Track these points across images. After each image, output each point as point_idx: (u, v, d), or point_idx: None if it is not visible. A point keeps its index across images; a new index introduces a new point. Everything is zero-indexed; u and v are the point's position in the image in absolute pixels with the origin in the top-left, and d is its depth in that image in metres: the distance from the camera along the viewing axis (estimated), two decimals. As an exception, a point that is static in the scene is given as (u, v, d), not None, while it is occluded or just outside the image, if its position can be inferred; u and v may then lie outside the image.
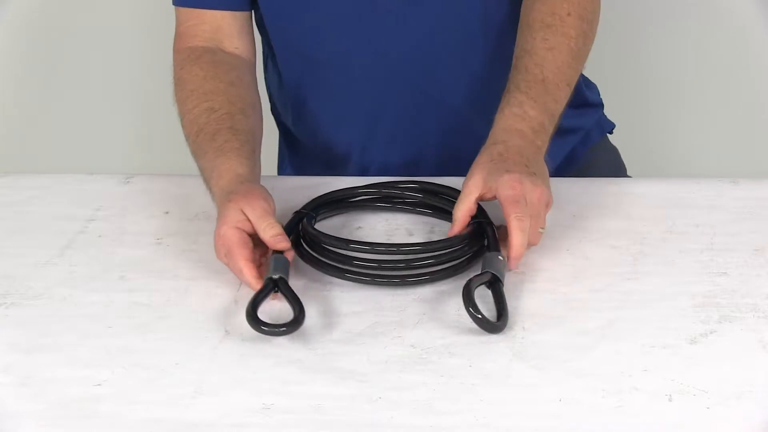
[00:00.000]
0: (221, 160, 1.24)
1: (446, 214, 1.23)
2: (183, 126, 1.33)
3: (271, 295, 1.11)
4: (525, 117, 1.22)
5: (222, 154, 1.24)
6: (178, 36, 1.41)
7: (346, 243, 1.16)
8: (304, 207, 1.24)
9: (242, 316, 1.09)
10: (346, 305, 1.12)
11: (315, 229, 1.19)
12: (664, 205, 1.28)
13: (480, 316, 1.05)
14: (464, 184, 1.18)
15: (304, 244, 1.19)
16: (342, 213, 1.28)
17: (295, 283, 1.13)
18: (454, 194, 1.23)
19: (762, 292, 1.11)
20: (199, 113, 1.31)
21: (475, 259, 1.16)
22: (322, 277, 1.16)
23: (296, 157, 1.53)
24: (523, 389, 0.99)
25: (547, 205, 1.17)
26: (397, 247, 1.17)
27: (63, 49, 2.17)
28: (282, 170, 1.57)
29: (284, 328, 1.06)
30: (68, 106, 2.22)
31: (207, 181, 1.25)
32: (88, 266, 1.20)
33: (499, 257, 1.12)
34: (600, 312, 1.09)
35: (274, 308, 1.10)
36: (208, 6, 1.39)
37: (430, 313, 1.10)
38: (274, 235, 1.15)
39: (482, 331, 1.06)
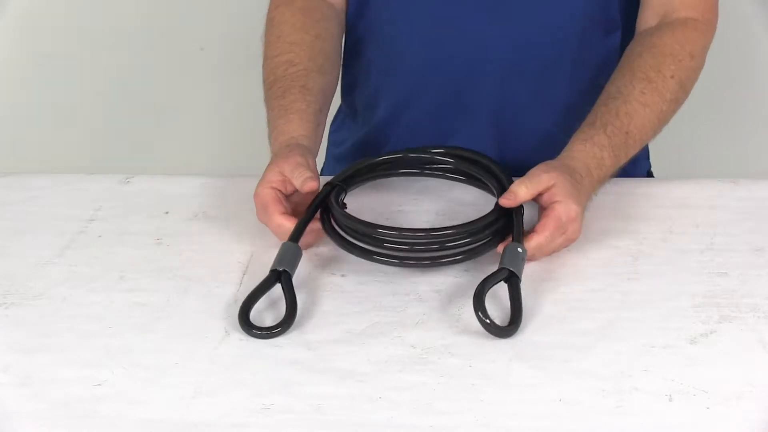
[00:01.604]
0: (282, 121, 1.27)
1: (476, 181, 1.26)
2: (263, 68, 1.37)
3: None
4: (602, 165, 1.23)
5: (285, 115, 1.28)
6: None
7: (374, 228, 1.16)
8: (335, 178, 1.22)
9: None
10: (346, 305, 1.12)
11: (345, 211, 1.18)
12: (664, 205, 1.28)
13: (488, 321, 1.05)
14: (538, 172, 1.18)
15: (333, 222, 1.18)
16: (372, 180, 1.27)
17: (298, 277, 1.14)
18: (484, 161, 1.24)
19: (762, 292, 1.11)
20: (279, 63, 1.34)
21: (499, 239, 1.16)
22: (323, 276, 1.16)
23: (350, 103, 1.53)
24: (523, 389, 0.99)
25: (562, 247, 1.19)
26: (426, 232, 1.16)
27: (63, 48, 2.17)
28: (336, 117, 1.58)
29: (278, 329, 1.06)
30: (68, 106, 2.23)
31: (269, 135, 1.29)
32: (88, 266, 1.20)
33: (519, 249, 1.12)
34: (600, 312, 1.09)
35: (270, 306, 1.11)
36: None
37: (430, 313, 1.10)
38: (303, 179, 1.17)
39: (482, 330, 1.06)
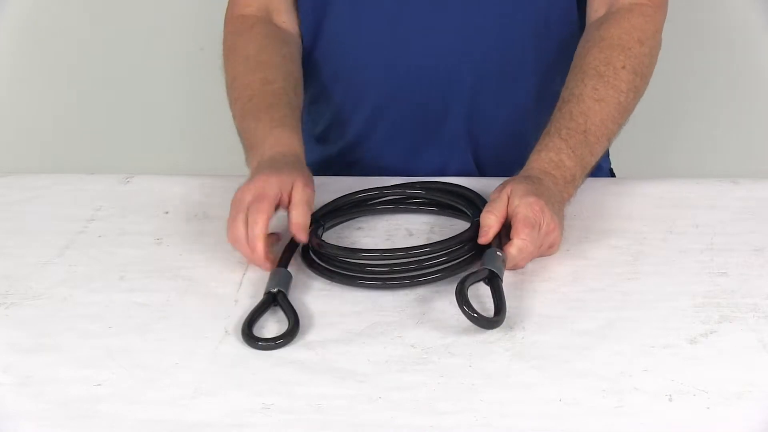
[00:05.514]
0: (281, 131, 1.26)
1: (452, 211, 1.25)
2: (232, 87, 1.35)
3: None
4: (560, 165, 1.22)
5: (282, 126, 1.26)
6: (231, 3, 1.44)
7: (354, 252, 1.16)
8: (313, 214, 1.21)
9: (242, 316, 1.09)
10: (346, 305, 1.12)
11: (323, 241, 1.18)
12: (664, 205, 1.28)
13: (476, 315, 1.05)
14: (494, 193, 1.18)
15: (312, 254, 1.18)
16: (349, 219, 1.27)
17: (296, 281, 1.14)
18: (460, 191, 1.25)
19: (762, 292, 1.11)
20: (254, 80, 1.33)
21: (477, 255, 1.15)
22: (321, 277, 1.16)
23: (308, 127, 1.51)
24: (523, 389, 0.99)
25: (551, 246, 1.17)
26: (405, 251, 1.15)
27: (63, 48, 2.17)
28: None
29: (280, 340, 1.05)
30: (68, 106, 2.22)
31: (255, 143, 1.26)
32: (88, 266, 1.20)
33: (498, 253, 1.12)
34: (600, 312, 1.09)
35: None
36: None
37: (430, 313, 1.10)
38: (299, 223, 1.16)
39: (482, 330, 1.06)
